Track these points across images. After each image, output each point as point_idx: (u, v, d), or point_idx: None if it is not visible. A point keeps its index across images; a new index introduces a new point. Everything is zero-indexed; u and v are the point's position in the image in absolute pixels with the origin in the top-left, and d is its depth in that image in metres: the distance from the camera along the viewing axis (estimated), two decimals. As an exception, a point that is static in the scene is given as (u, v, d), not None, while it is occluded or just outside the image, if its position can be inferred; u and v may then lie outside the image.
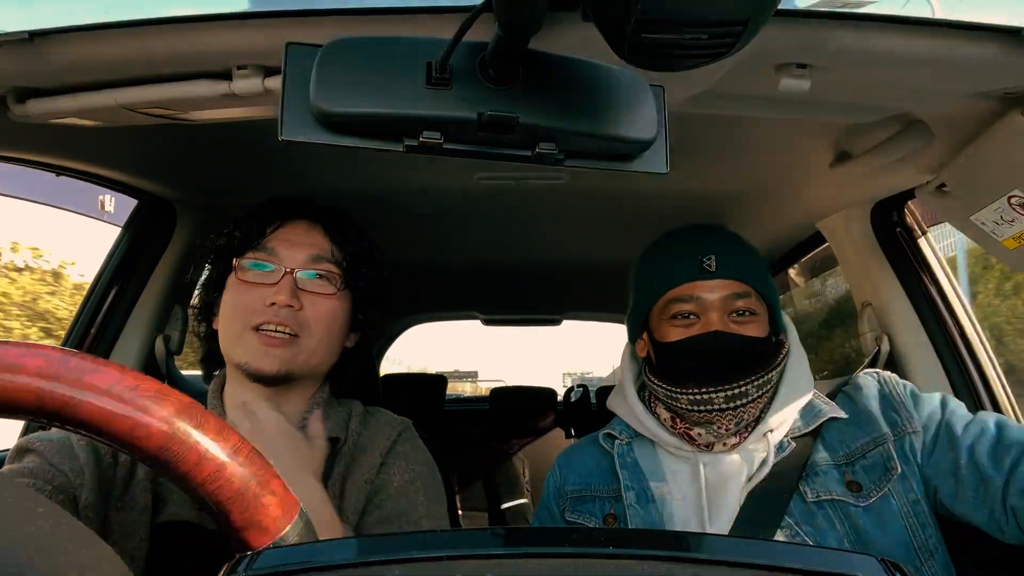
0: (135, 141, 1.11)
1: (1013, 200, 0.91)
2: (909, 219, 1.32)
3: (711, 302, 0.88)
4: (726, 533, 0.84)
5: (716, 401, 0.86)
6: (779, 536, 0.83)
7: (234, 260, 0.87)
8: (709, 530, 0.86)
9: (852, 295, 1.42)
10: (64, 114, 0.89)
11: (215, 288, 0.90)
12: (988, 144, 0.92)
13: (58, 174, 1.15)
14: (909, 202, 1.29)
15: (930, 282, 1.28)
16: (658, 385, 0.93)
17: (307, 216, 0.91)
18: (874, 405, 0.92)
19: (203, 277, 0.96)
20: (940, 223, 1.27)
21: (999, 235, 0.97)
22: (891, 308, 1.28)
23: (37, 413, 0.36)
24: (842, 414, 0.91)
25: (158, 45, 0.77)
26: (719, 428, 0.88)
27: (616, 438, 1.00)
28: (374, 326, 0.98)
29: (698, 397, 0.87)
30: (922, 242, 1.30)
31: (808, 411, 0.93)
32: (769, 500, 0.85)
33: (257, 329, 0.83)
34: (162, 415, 0.37)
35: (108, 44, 0.77)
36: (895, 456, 0.86)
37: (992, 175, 0.93)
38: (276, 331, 0.83)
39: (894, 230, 1.33)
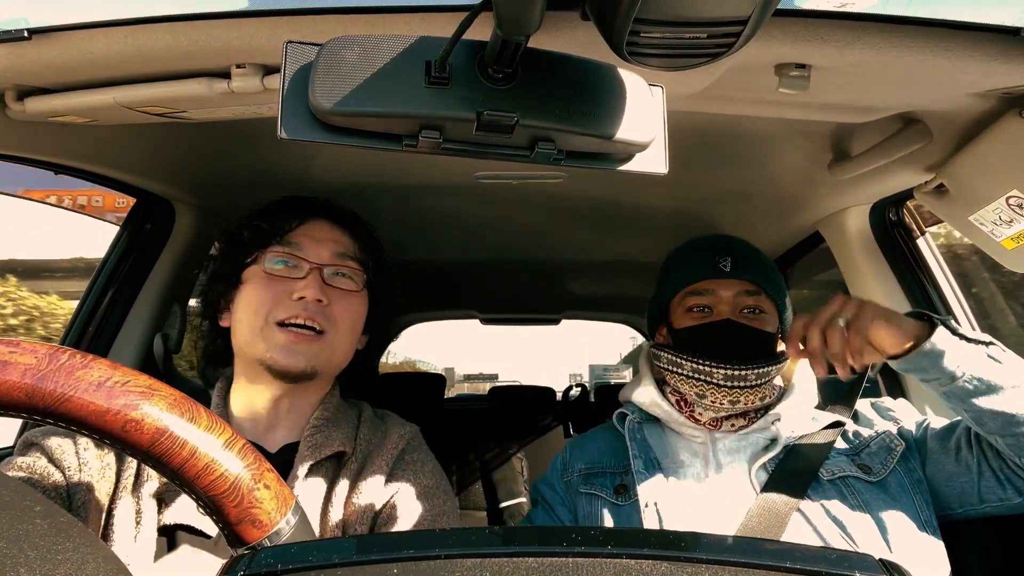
0: (134, 139, 1.11)
1: (1011, 200, 0.92)
2: (908, 219, 1.32)
3: (724, 298, 0.98)
4: (734, 503, 0.90)
5: (715, 376, 0.94)
6: (797, 513, 0.87)
7: (258, 253, 0.85)
8: (712, 499, 0.92)
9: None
10: (63, 112, 0.89)
11: (228, 283, 0.87)
12: (987, 144, 0.92)
13: (56, 172, 1.15)
14: (908, 202, 1.29)
15: (928, 282, 1.28)
16: (669, 354, 1.00)
17: (327, 215, 0.91)
18: (871, 411, 1.03)
19: (211, 270, 0.93)
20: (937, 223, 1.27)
21: (997, 235, 0.97)
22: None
23: (28, 410, 0.36)
24: (846, 416, 0.99)
25: (157, 43, 0.76)
26: (713, 402, 0.96)
27: (628, 415, 1.08)
28: (381, 330, 0.98)
29: (699, 366, 0.95)
30: (921, 242, 1.30)
31: (816, 417, 1.01)
32: (789, 478, 0.91)
33: (282, 324, 0.81)
34: (153, 410, 0.37)
35: (107, 42, 0.77)
36: (897, 437, 0.95)
37: (990, 175, 0.93)
38: (304, 326, 0.82)
39: (893, 230, 1.33)
